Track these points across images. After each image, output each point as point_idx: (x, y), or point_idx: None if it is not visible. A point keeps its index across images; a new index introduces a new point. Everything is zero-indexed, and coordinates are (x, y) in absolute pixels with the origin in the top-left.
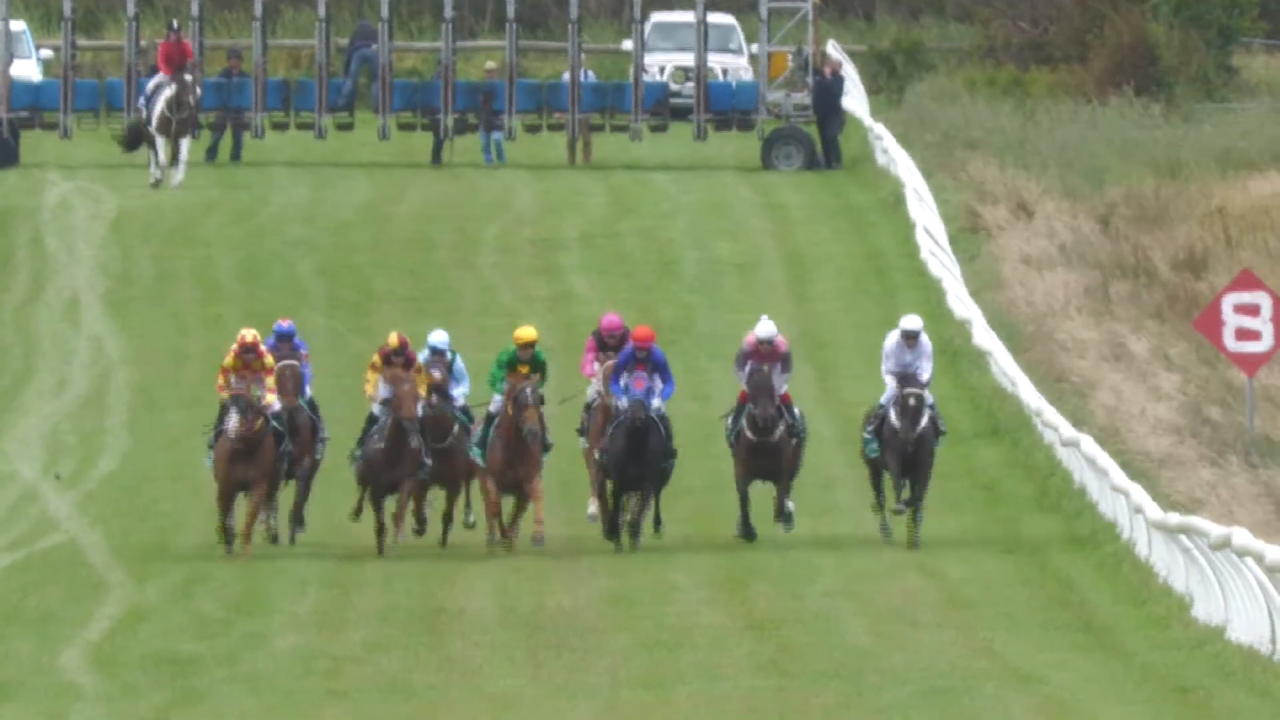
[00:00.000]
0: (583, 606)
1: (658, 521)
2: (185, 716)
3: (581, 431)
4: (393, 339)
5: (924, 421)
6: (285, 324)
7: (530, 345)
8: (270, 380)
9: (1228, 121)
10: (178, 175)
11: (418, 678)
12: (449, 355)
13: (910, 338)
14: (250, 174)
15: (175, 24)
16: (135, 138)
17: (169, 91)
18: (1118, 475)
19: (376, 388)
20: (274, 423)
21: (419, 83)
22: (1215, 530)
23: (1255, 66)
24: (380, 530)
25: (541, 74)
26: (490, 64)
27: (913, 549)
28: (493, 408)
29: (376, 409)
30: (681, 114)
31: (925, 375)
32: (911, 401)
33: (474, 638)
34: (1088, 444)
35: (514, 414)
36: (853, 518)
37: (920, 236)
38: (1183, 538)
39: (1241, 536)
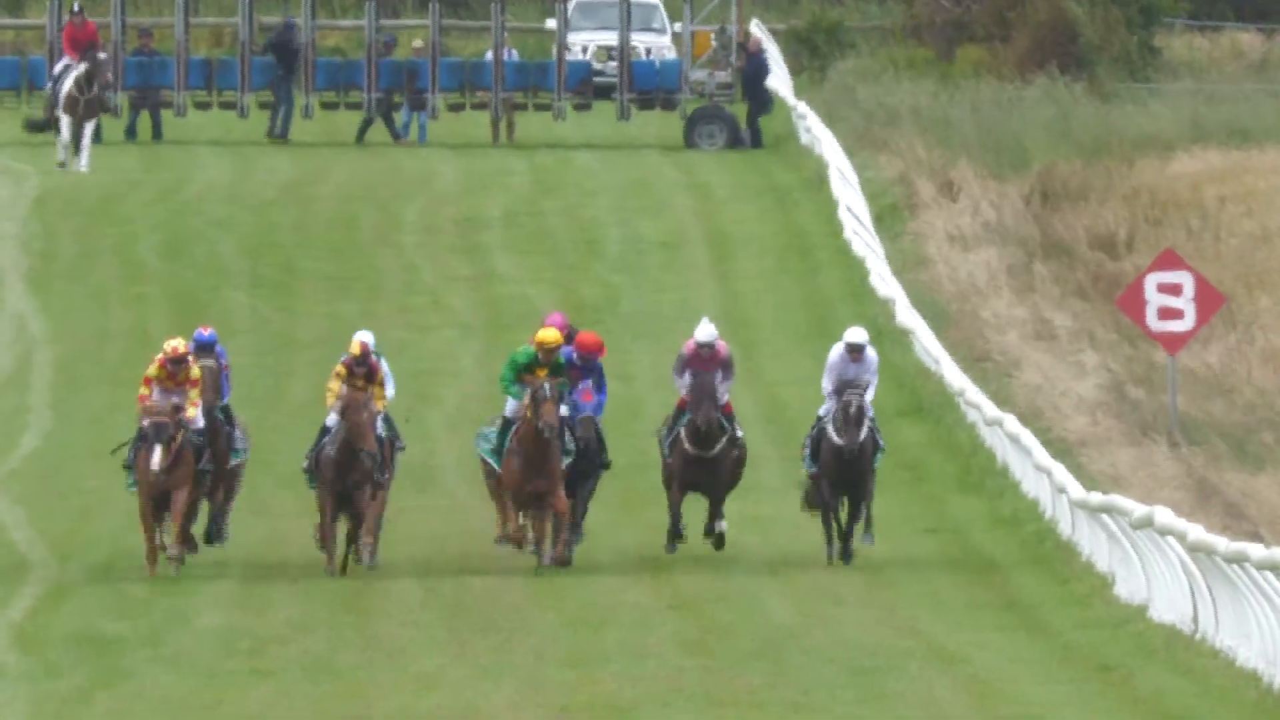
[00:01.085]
0: (507, 586)
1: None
2: (108, 696)
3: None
4: (355, 346)
5: (863, 433)
6: (206, 332)
7: (555, 349)
8: (194, 393)
9: (1151, 101)
10: (82, 159)
11: (342, 657)
12: (374, 358)
13: (855, 351)
14: (173, 152)
15: (78, 6)
16: (46, 122)
17: (78, 71)
18: (1040, 454)
19: (337, 399)
20: (193, 438)
21: (341, 61)
22: (1137, 509)
23: (1177, 47)
24: (328, 545)
25: (465, 53)
26: (418, 42)
27: (845, 559)
28: (509, 412)
29: (331, 420)
30: (605, 93)
31: (869, 394)
32: (851, 409)
33: (398, 617)
34: (1011, 423)
35: (533, 412)
36: (776, 498)
37: (844, 215)
38: (1105, 517)
39: (1164, 515)
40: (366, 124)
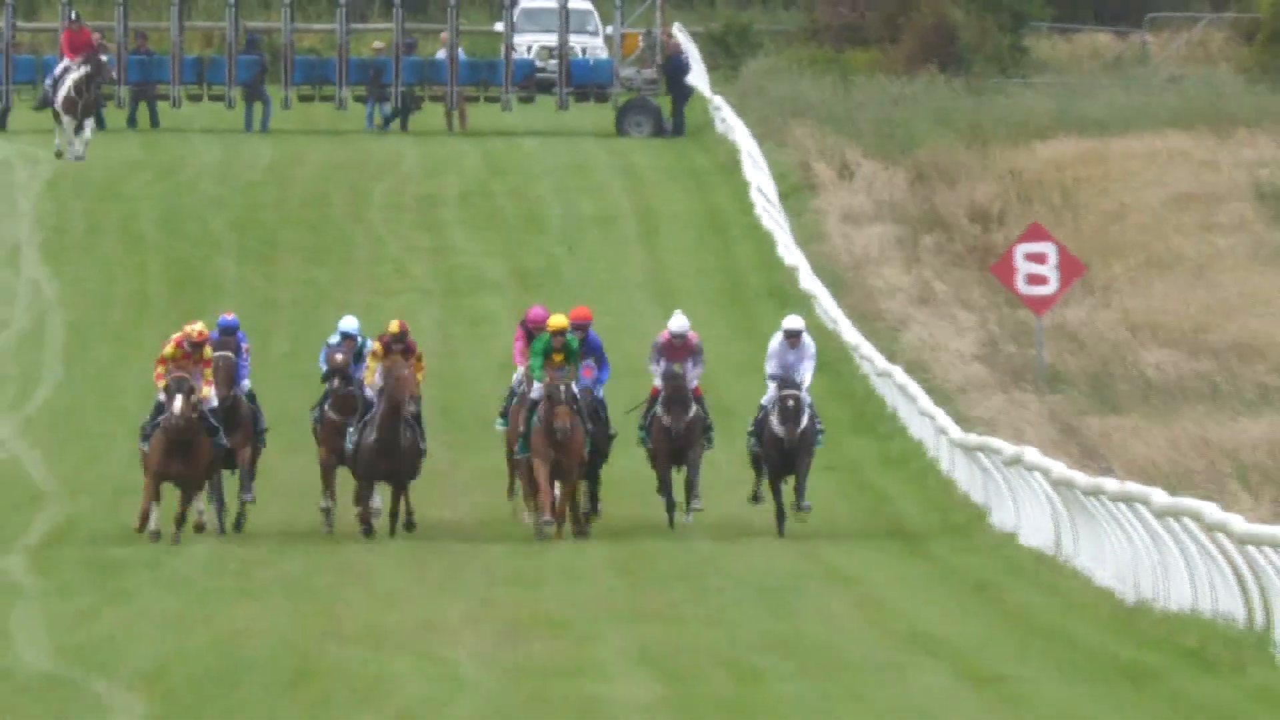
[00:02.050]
0: (460, 518)
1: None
2: (114, 613)
3: (504, 415)
4: (393, 325)
5: (804, 421)
6: (229, 317)
7: (562, 332)
8: (208, 373)
9: (1020, 95)
10: (78, 149)
11: (317, 579)
12: (359, 340)
13: (792, 337)
14: (169, 139)
15: (75, 14)
16: (44, 103)
17: (77, 74)
18: (925, 401)
19: (375, 376)
20: (210, 419)
21: (316, 59)
22: (1009, 449)
23: (1043, 47)
24: (365, 518)
25: (423, 52)
26: (378, 43)
27: (781, 537)
28: (534, 394)
29: (370, 394)
30: (546, 87)
31: (806, 378)
32: (790, 404)
33: (367, 544)
34: (899, 374)
35: (545, 410)
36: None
37: (754, 195)
38: (980, 455)
39: (1031, 454)
40: (397, 113)
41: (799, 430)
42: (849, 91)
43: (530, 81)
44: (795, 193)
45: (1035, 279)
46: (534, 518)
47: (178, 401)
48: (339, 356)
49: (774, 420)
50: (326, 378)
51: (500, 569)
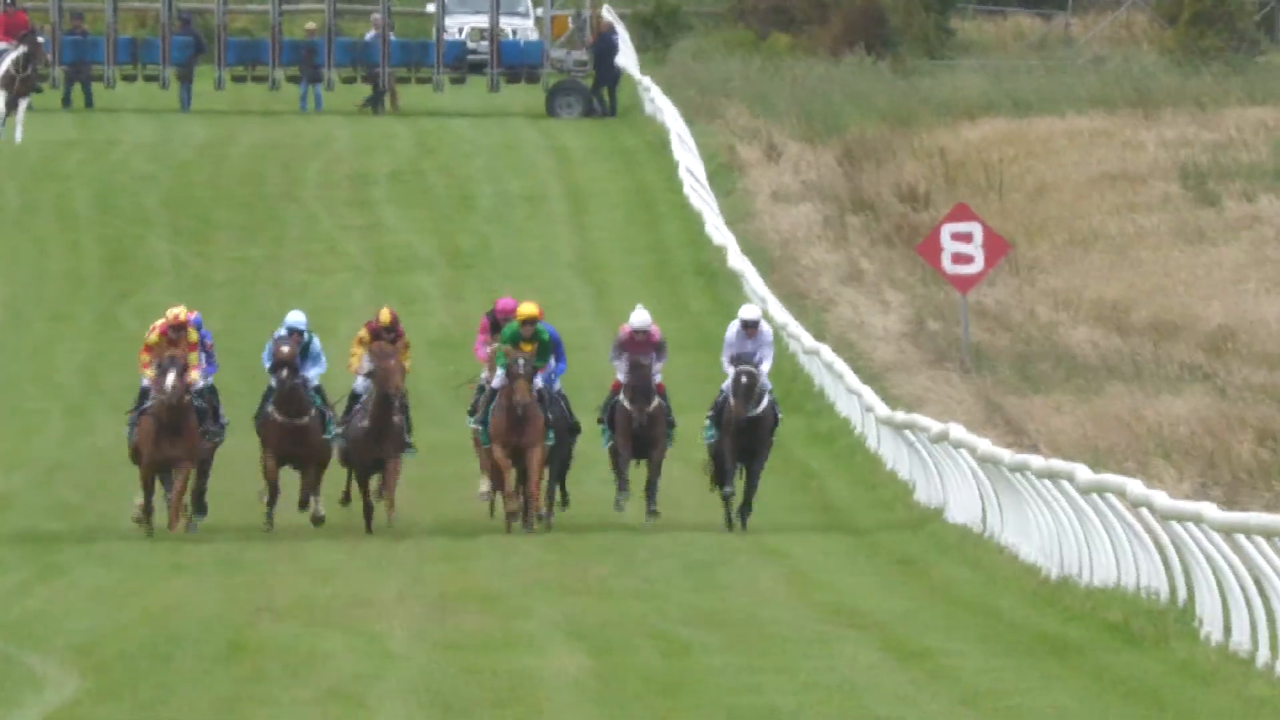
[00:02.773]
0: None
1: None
2: (46, 588)
3: (471, 412)
4: (384, 314)
5: (763, 405)
6: (192, 315)
7: (532, 321)
8: (193, 357)
9: (946, 76)
10: (18, 131)
11: (250, 554)
12: (305, 336)
13: (750, 326)
14: (104, 118)
15: None
16: None
17: (15, 54)
18: (852, 379)
19: (361, 362)
20: (198, 400)
21: (249, 40)
22: (934, 426)
23: (969, 29)
24: (369, 510)
25: (355, 33)
26: (310, 25)
27: (741, 532)
28: (495, 383)
29: (359, 384)
30: (477, 68)
31: (765, 364)
32: (744, 380)
33: (299, 519)
34: (826, 352)
35: (510, 385)
36: None
37: (683, 174)
38: (907, 432)
39: (957, 431)
40: (376, 96)
41: (755, 410)
42: (777, 73)
43: (461, 63)
44: (723, 172)
45: (961, 258)
46: (490, 491)
47: (170, 377)
48: (285, 349)
49: (732, 401)
50: (273, 370)
51: (431, 545)
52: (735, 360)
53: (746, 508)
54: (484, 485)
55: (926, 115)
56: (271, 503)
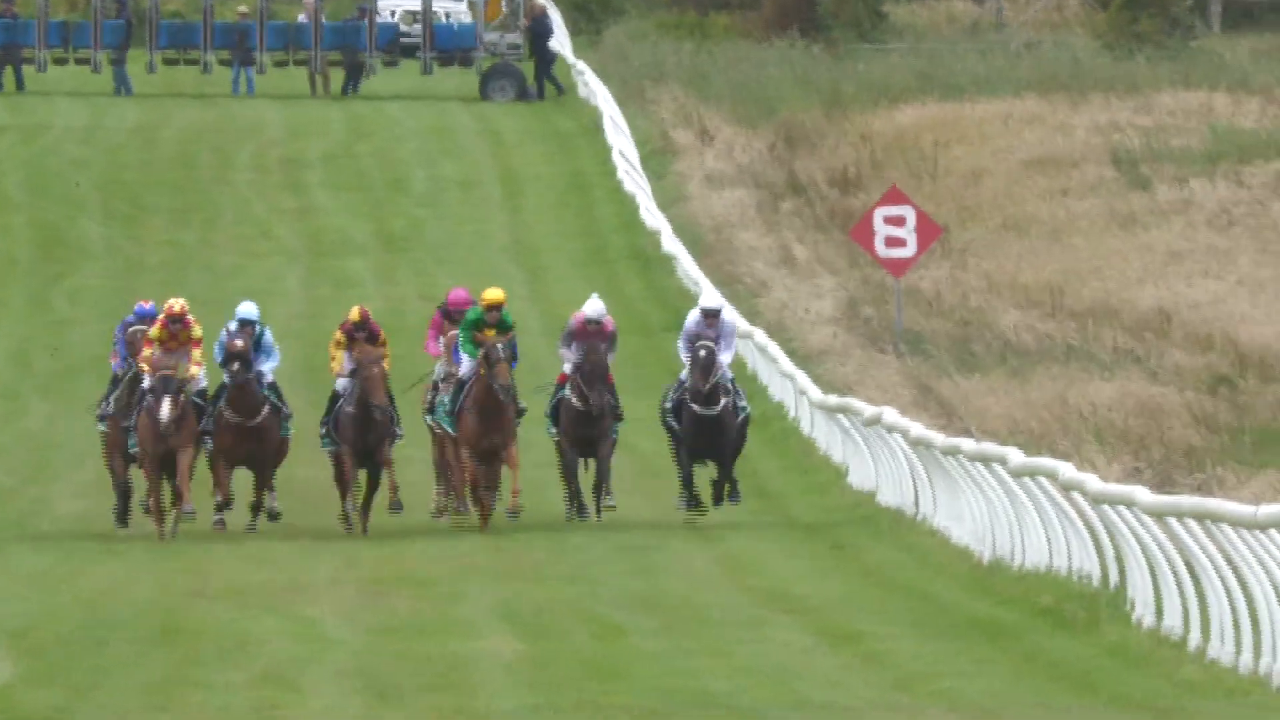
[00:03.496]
0: (326, 477)
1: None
2: None
3: (429, 410)
4: (354, 313)
5: (722, 403)
6: (148, 305)
7: (497, 307)
8: (197, 353)
9: (878, 59)
10: None
11: (183, 539)
12: (257, 328)
13: (710, 316)
14: (35, 102)
15: None
16: None
17: None
18: (785, 363)
19: (342, 364)
20: (195, 399)
21: (181, 23)
22: (868, 410)
23: (901, 12)
24: (350, 494)
25: (288, 16)
26: (242, 8)
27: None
28: (463, 371)
29: (340, 385)
30: (410, 52)
31: (726, 354)
32: (703, 353)
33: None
34: (760, 336)
35: (486, 371)
36: None
37: (616, 158)
38: (840, 416)
39: (890, 415)
40: (349, 79)
41: (709, 382)
42: (710, 56)
43: (394, 46)
44: (656, 156)
45: (894, 242)
46: (456, 503)
47: (165, 406)
48: (239, 343)
49: (689, 394)
50: (224, 363)
51: (367, 529)
52: (693, 339)
53: (722, 486)
54: (434, 502)
55: (859, 99)
56: (224, 507)
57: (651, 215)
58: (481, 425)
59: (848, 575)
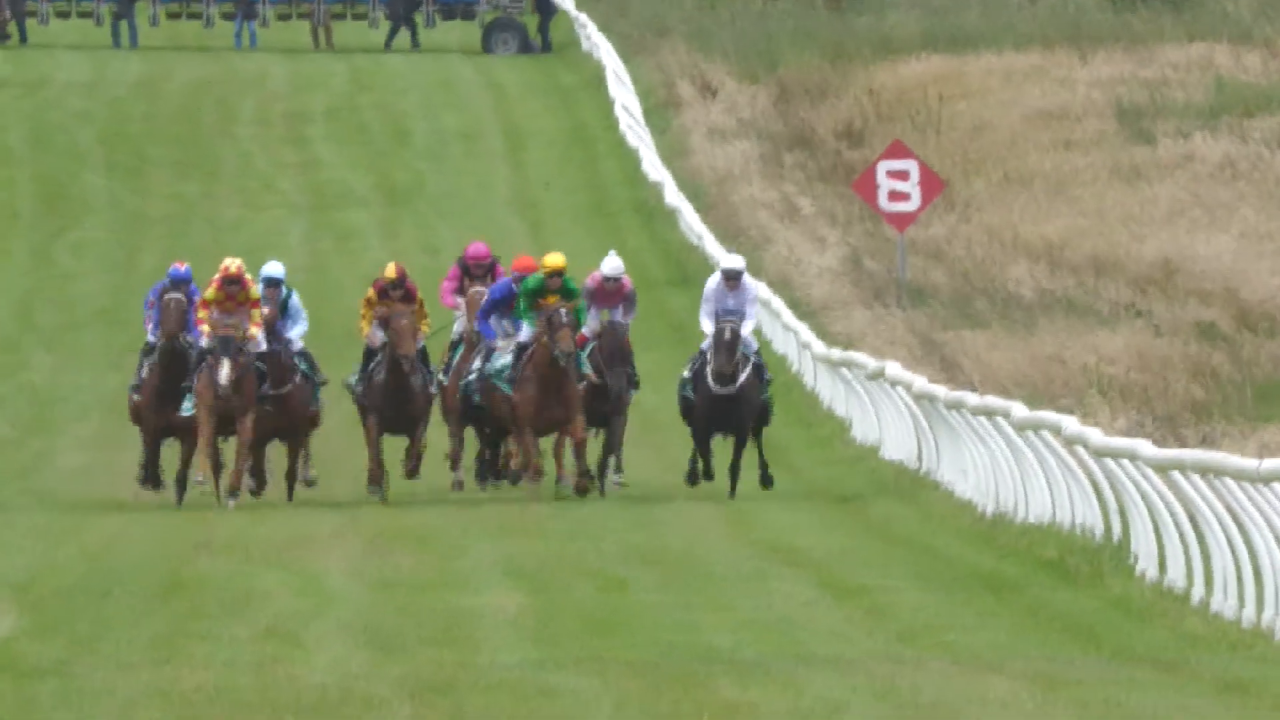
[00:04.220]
0: (331, 435)
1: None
2: None
3: (445, 370)
4: (389, 269)
5: (743, 377)
6: (181, 268)
7: (559, 273)
8: (256, 313)
9: (882, 12)
10: None
11: (187, 494)
12: (283, 290)
13: (731, 279)
14: (38, 55)
15: None
16: None
17: None
18: (788, 316)
19: (373, 326)
20: (257, 363)
21: None
22: (871, 363)
23: None
24: (380, 472)
25: None
26: None
27: (729, 498)
28: (522, 337)
29: (373, 340)
30: (414, 5)
31: (748, 323)
32: (727, 334)
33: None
34: (762, 289)
35: (548, 337)
36: None
37: (619, 112)
38: (844, 370)
39: (893, 368)
40: (393, 31)
41: (734, 384)
42: (713, 9)
43: None
44: (659, 110)
45: (897, 196)
46: (525, 474)
47: (224, 368)
48: (266, 309)
49: (709, 370)
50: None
51: (359, 485)
52: (718, 315)
53: (738, 466)
54: (457, 473)
55: (863, 52)
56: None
57: (654, 169)
58: (542, 397)
59: (851, 529)
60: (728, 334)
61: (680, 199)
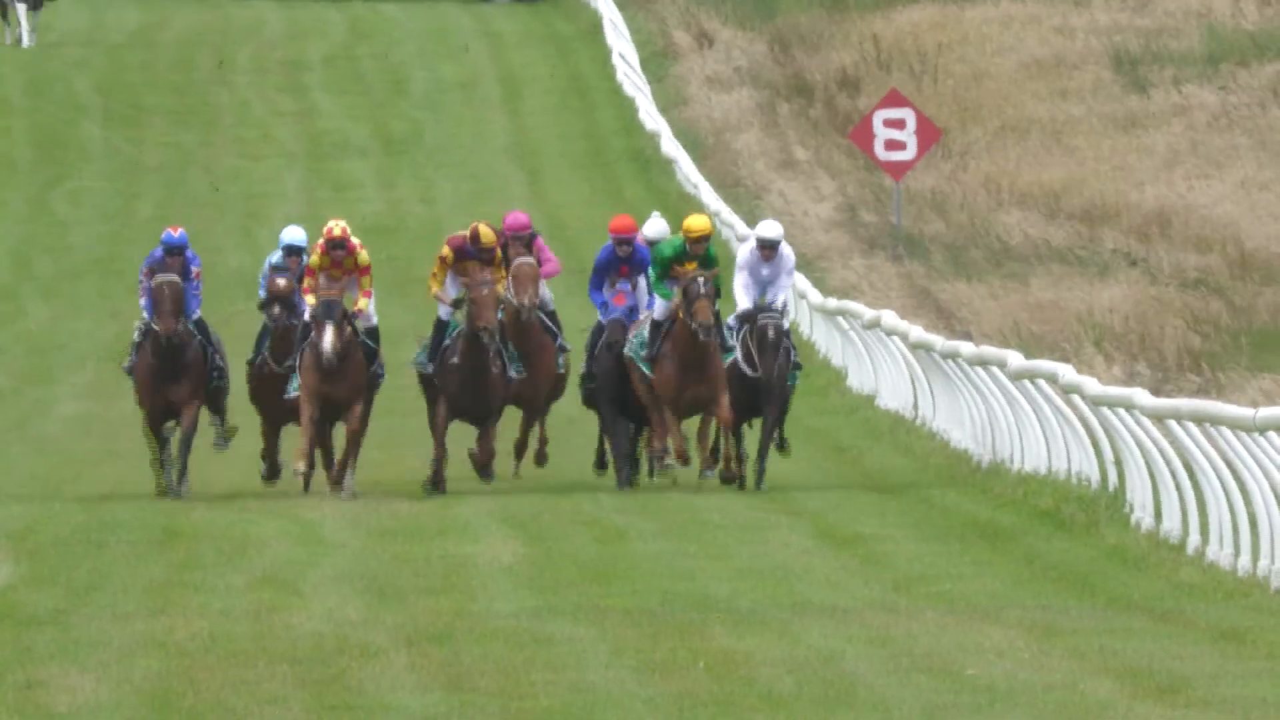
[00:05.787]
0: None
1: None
2: None
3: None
4: (485, 232)
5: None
6: (176, 233)
7: (704, 238)
8: (366, 281)
9: None
10: (31, 36)
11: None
12: (304, 259)
13: (767, 248)
14: None
15: None
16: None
17: None
18: None
19: (445, 287)
20: (364, 338)
21: None
22: (867, 313)
23: None
24: (443, 475)
25: None
26: None
27: (759, 488)
28: (658, 314)
29: (443, 312)
30: None
31: (780, 298)
32: (770, 334)
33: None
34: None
35: (684, 311)
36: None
37: (616, 60)
38: (840, 319)
39: (889, 318)
40: None
41: (774, 367)
42: None
43: None
44: (656, 59)
45: (893, 145)
46: (668, 456)
47: (328, 334)
48: (281, 282)
49: (741, 359)
50: (265, 305)
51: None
52: (754, 308)
53: (764, 458)
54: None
55: (861, 0)
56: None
57: (651, 118)
58: (682, 375)
59: (849, 477)
60: (771, 333)
61: (677, 148)
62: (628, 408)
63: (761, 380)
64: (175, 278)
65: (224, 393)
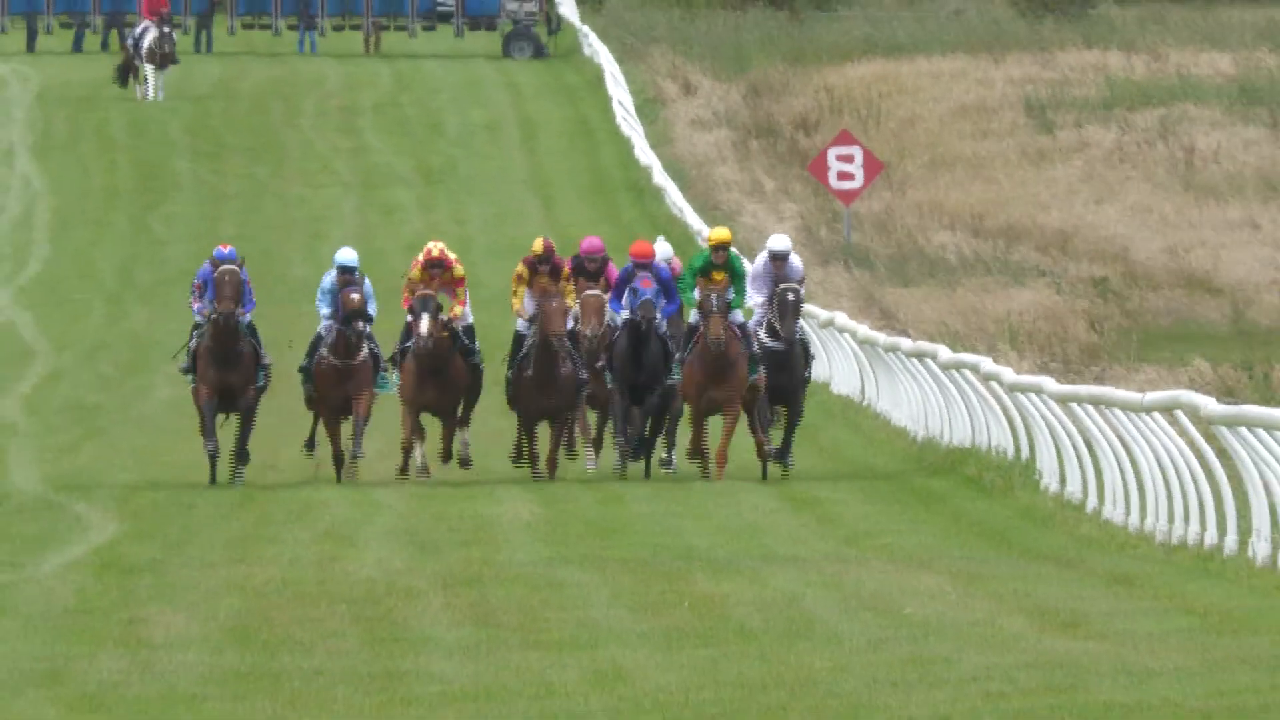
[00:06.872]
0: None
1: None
2: (91, 447)
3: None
4: (537, 244)
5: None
6: (226, 250)
7: (724, 246)
8: (461, 291)
9: (833, 24)
10: (160, 93)
11: (260, 422)
12: (356, 276)
13: (779, 260)
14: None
15: None
16: (125, 73)
17: (154, 33)
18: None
19: (524, 302)
20: (463, 338)
21: None
22: (823, 314)
23: None
24: (534, 459)
25: None
26: None
27: (786, 475)
28: (691, 320)
29: (522, 325)
30: (445, 18)
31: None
32: (790, 296)
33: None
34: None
35: (703, 325)
36: None
37: (615, 106)
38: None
39: (841, 318)
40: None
41: (795, 330)
42: (693, 21)
43: (432, 13)
44: (649, 105)
45: (844, 175)
46: (698, 462)
47: (424, 322)
48: (355, 296)
49: (762, 332)
50: (346, 321)
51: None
52: (776, 282)
53: (789, 444)
54: (610, 456)
55: (817, 57)
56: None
57: (644, 154)
58: (703, 377)
59: (806, 451)
60: (790, 296)
61: (666, 179)
62: (635, 391)
63: (782, 349)
64: (235, 268)
65: (258, 398)
